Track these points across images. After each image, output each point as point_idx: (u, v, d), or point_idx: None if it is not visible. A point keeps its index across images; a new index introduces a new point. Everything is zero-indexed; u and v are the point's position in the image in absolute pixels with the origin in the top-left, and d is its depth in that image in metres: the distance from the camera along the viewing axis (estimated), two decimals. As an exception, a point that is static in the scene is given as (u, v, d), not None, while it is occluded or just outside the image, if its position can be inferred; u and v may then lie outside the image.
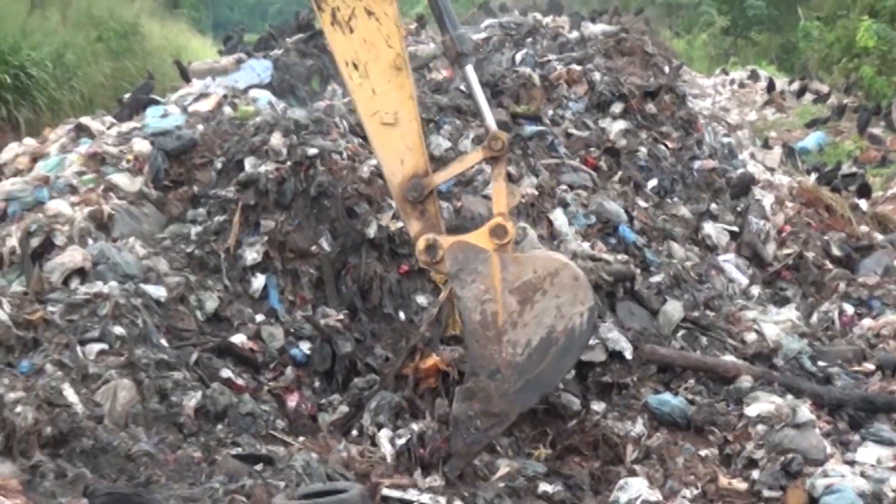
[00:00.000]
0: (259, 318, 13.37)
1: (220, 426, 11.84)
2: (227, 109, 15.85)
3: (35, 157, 16.15)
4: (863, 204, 17.97)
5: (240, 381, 12.45)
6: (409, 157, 12.10)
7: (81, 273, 12.66)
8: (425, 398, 12.68)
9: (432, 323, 13.44)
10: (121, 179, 14.56)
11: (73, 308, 12.04)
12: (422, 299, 13.74)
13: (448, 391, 12.62)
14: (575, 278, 11.95)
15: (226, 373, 12.35)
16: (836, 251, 15.89)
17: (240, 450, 11.44)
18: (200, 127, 15.26)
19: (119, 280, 12.60)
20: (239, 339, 12.95)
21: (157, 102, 17.11)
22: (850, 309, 14.63)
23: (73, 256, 12.74)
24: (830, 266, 15.57)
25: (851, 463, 11.37)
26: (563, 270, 11.99)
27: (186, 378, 11.96)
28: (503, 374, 11.75)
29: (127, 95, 19.91)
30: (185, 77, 19.66)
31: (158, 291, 12.78)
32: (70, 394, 11.05)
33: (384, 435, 12.11)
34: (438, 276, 12.87)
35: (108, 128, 16.51)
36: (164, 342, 12.27)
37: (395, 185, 12.17)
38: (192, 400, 11.71)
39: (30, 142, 17.12)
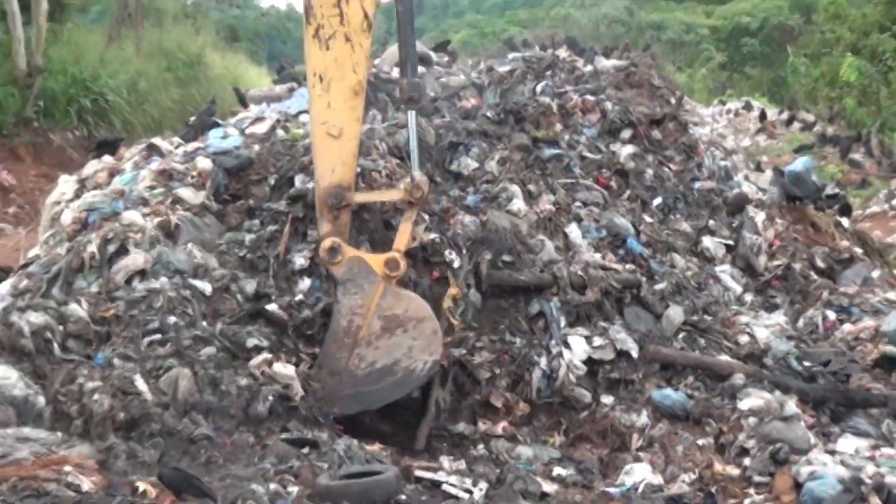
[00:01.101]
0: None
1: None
2: (280, 132, 15.87)
3: (112, 173, 16.21)
4: (844, 221, 17.91)
5: (265, 344, 12.65)
6: (340, 168, 12.58)
7: (142, 273, 12.75)
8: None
9: None
10: (186, 193, 14.61)
11: (133, 304, 12.15)
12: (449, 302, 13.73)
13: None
14: (434, 332, 12.55)
15: (252, 341, 12.49)
16: (820, 263, 15.87)
17: (288, 435, 11.48)
18: (256, 147, 15.29)
19: (169, 276, 12.75)
20: (272, 306, 13.16)
21: (218, 125, 17.13)
22: (832, 315, 14.63)
23: (135, 259, 12.82)
24: (815, 277, 15.56)
25: (832, 452, 11.40)
26: (428, 321, 12.59)
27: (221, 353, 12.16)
28: (341, 377, 12.38)
29: (192, 119, 19.93)
30: (243, 103, 19.69)
31: (204, 285, 12.94)
32: (140, 383, 11.09)
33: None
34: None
35: (176, 147, 16.57)
36: (204, 324, 12.40)
37: (320, 188, 12.60)
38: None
39: (108, 159, 17.18)
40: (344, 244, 12.70)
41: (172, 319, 12.16)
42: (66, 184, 16.43)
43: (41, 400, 10.64)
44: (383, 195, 13.33)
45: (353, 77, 12.50)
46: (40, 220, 17.05)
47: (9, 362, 10.88)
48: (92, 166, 16.95)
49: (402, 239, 12.94)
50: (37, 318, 11.77)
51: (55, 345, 11.48)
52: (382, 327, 12.58)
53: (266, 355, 12.28)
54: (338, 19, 12.34)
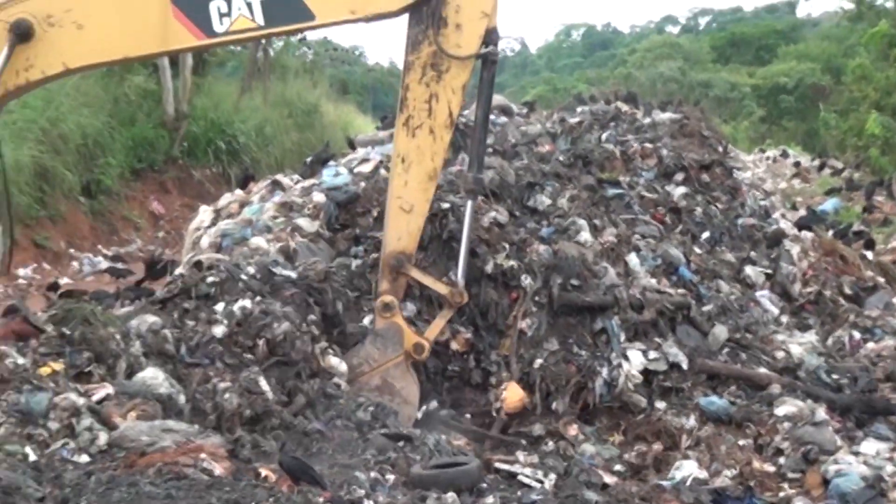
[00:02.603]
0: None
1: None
2: (383, 171, 15.91)
3: (242, 204, 16.37)
4: (869, 254, 17.71)
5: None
6: (405, 238, 12.70)
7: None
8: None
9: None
10: (303, 222, 14.70)
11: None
12: (523, 325, 13.70)
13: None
14: (409, 418, 12.59)
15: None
16: (847, 290, 15.68)
17: (386, 430, 11.48)
18: (362, 184, 15.36)
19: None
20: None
21: (331, 164, 17.21)
22: (857, 335, 14.44)
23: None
24: (843, 302, 15.36)
25: (856, 454, 11.33)
26: (410, 408, 12.72)
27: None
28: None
29: (309, 159, 20.03)
30: (352, 146, 19.74)
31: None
32: (263, 384, 11.13)
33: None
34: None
35: (295, 183, 16.69)
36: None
37: (386, 252, 12.73)
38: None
39: (239, 192, 17.33)
40: (397, 307, 12.79)
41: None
42: (204, 213, 16.60)
43: (182, 397, 10.70)
44: (434, 284, 13.21)
45: (431, 164, 12.56)
46: (183, 244, 17.23)
47: (156, 365, 10.95)
48: (226, 198, 17.14)
49: (433, 330, 13.13)
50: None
51: (191, 352, 11.57)
52: (378, 386, 12.63)
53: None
54: (426, 113, 12.40)
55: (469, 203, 13.08)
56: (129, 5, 11.93)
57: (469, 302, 13.59)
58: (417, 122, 12.43)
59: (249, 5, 11.93)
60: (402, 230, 12.75)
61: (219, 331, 11.86)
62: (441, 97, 12.37)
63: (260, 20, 12.03)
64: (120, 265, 23.76)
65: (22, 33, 11.46)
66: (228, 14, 11.91)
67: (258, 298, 12.23)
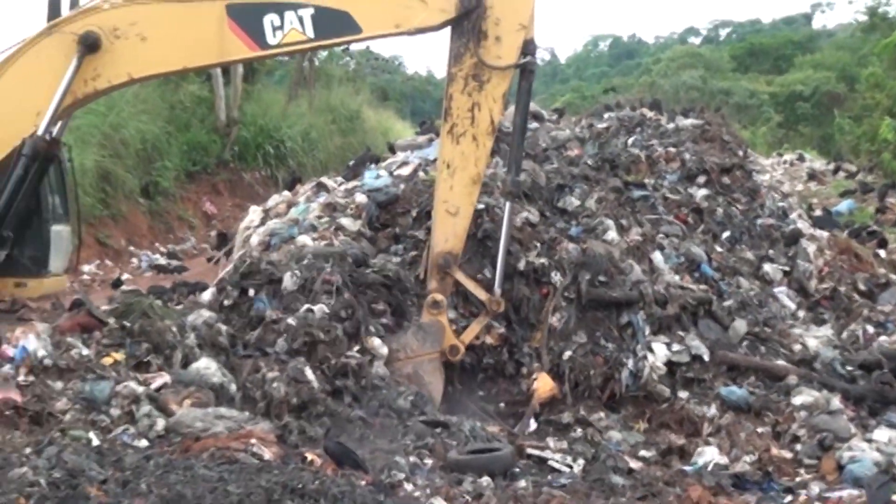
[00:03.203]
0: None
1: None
2: (421, 174, 15.95)
3: (289, 205, 16.44)
4: (882, 253, 17.53)
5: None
6: (452, 239, 12.85)
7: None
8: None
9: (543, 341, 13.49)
10: (346, 222, 14.75)
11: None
12: (554, 319, 13.68)
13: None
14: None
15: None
16: (861, 287, 15.56)
17: (424, 417, 11.50)
18: (402, 186, 15.39)
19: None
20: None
21: (372, 167, 17.23)
22: (871, 329, 14.34)
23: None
24: (857, 297, 15.26)
25: (870, 441, 11.26)
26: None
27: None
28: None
29: (351, 162, 20.06)
30: (392, 150, 19.77)
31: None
32: (309, 373, 11.16)
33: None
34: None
35: (339, 185, 16.72)
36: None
37: (434, 253, 12.91)
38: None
39: (286, 194, 17.38)
40: (444, 307, 12.97)
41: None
42: (254, 213, 16.68)
43: (233, 386, 10.77)
44: (475, 289, 13.34)
45: (475, 169, 12.79)
46: (234, 242, 17.28)
47: (209, 355, 11.00)
48: (274, 199, 17.22)
49: (469, 334, 13.29)
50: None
51: (242, 344, 11.62)
52: (408, 374, 12.71)
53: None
54: (469, 121, 12.60)
55: (507, 206, 13.23)
56: (189, 19, 12.08)
57: (502, 297, 13.62)
58: (461, 129, 12.63)
59: (301, 19, 12.11)
60: (448, 232, 12.92)
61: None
62: (483, 106, 12.56)
63: (310, 33, 12.23)
64: (174, 262, 24.05)
65: (90, 45, 11.62)
66: (281, 27, 12.11)
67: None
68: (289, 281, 12.62)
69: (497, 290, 13.21)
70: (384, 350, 12.51)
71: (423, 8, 12.35)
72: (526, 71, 12.81)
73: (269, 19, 12.10)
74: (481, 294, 13.25)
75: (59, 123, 12.34)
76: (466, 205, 12.91)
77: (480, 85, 12.57)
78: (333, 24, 12.33)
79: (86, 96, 12.27)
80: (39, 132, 11.79)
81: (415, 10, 12.32)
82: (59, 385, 9.92)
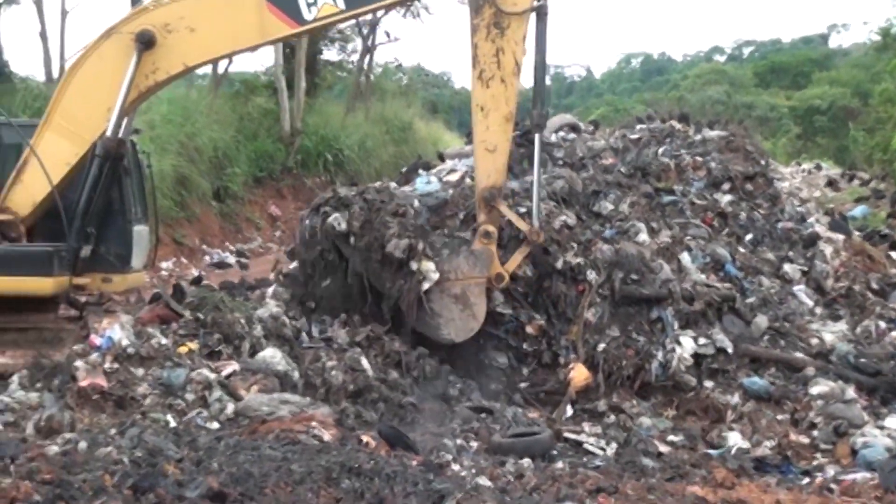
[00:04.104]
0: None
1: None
2: (468, 180, 15.90)
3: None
4: (893, 254, 17.35)
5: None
6: (494, 175, 12.96)
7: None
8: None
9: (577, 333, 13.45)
10: (400, 224, 14.67)
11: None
12: (589, 314, 13.65)
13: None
14: (471, 330, 13.07)
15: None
16: (874, 285, 15.40)
17: (470, 403, 11.52)
18: (451, 191, 15.34)
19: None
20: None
21: (423, 174, 17.22)
22: (883, 325, 14.23)
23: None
24: (871, 295, 15.11)
25: (881, 428, 11.33)
26: (474, 324, 13.06)
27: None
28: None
29: (404, 169, 20.06)
30: (441, 158, 19.72)
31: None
32: (365, 363, 11.21)
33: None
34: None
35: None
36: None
37: (479, 189, 13.05)
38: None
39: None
40: (494, 237, 13.11)
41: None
42: (315, 215, 16.65)
43: (296, 374, 10.81)
44: (517, 220, 13.38)
45: (506, 108, 12.93)
46: (297, 242, 17.34)
47: (275, 345, 11.06)
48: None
49: (512, 263, 13.30)
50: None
51: (304, 334, 11.67)
52: (456, 294, 12.97)
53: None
54: (496, 65, 12.76)
55: (537, 138, 13.42)
56: (231, 6, 12.26)
57: (542, 294, 13.69)
58: (489, 74, 12.81)
59: None
60: (489, 168, 13.06)
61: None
62: (506, 50, 12.75)
63: (342, 5, 12.40)
64: (242, 259, 24.28)
65: (146, 42, 11.78)
66: (315, 3, 12.24)
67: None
68: None
69: (535, 221, 13.25)
70: (435, 275, 12.80)
71: None
72: (541, 13, 12.93)
73: None
74: (523, 225, 13.29)
75: (125, 121, 12.40)
76: (503, 141, 13.02)
77: (501, 31, 12.73)
78: None
79: (148, 89, 12.42)
80: (109, 131, 11.89)
81: None
82: (140, 372, 10.03)
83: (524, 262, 13.47)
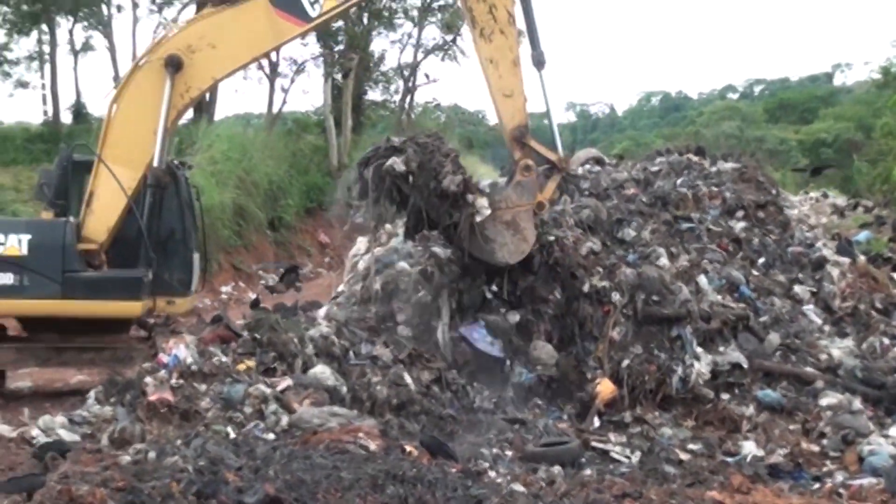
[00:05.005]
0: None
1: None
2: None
3: (390, 236, 16.41)
4: (895, 276, 17.23)
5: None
6: (516, 115, 13.27)
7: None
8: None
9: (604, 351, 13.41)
10: (437, 250, 14.62)
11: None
12: (614, 332, 13.60)
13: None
14: (521, 252, 13.39)
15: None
16: (878, 305, 15.24)
17: (504, 415, 11.51)
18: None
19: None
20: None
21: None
22: (886, 341, 14.10)
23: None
24: (875, 314, 14.98)
25: (886, 436, 11.33)
26: (524, 246, 13.37)
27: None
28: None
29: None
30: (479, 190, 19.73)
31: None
32: (408, 378, 11.21)
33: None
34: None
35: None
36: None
37: (508, 131, 13.29)
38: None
39: (388, 227, 17.31)
40: (533, 168, 13.32)
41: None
42: (361, 243, 16.72)
43: (344, 388, 10.82)
44: (546, 152, 13.62)
45: (511, 54, 13.22)
46: (344, 267, 17.40)
47: (325, 363, 11.08)
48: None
49: (547, 191, 13.52)
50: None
51: (351, 353, 11.68)
52: (506, 220, 13.25)
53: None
54: (493, 20, 13.09)
55: (540, 75, 13.72)
56: (243, 19, 12.43)
57: (569, 315, 13.71)
58: (489, 29, 13.17)
59: None
60: (511, 111, 13.32)
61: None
62: (498, 5, 13.15)
63: None
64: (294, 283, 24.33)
65: (175, 65, 11.91)
66: (316, 0, 12.64)
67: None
68: None
69: (560, 150, 13.70)
70: (487, 211, 13.01)
71: None
72: None
73: None
74: (552, 156, 13.57)
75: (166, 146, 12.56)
76: (516, 83, 13.27)
77: None
78: None
79: (184, 106, 12.74)
80: (156, 160, 12.02)
81: None
82: (203, 387, 10.08)
83: (556, 189, 13.87)
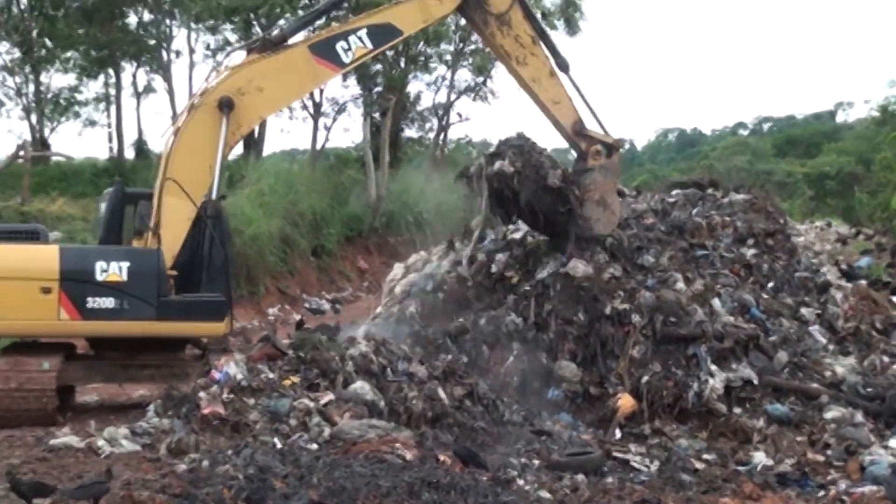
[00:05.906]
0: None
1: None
2: (529, 238, 15.88)
3: (425, 262, 16.49)
4: (895, 299, 17.05)
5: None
6: (570, 114, 14.57)
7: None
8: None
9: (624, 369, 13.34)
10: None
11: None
12: (634, 351, 13.54)
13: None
14: (612, 224, 14.82)
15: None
16: (878, 325, 15.14)
17: (531, 427, 11.47)
18: (515, 248, 15.37)
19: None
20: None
21: (490, 233, 17.11)
22: (886, 359, 14.09)
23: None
24: (875, 334, 14.87)
25: (886, 447, 11.49)
26: (613, 219, 14.80)
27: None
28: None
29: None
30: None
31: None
32: (441, 393, 11.19)
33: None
34: None
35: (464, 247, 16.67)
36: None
37: (567, 129, 14.49)
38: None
39: (422, 253, 17.37)
40: (603, 151, 14.54)
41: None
42: (398, 269, 16.79)
43: (382, 403, 10.80)
44: (604, 137, 14.65)
45: (545, 69, 14.37)
46: (382, 291, 17.42)
47: (364, 379, 11.07)
48: (413, 258, 17.27)
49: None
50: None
51: (388, 369, 11.66)
52: (597, 199, 14.49)
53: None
54: (520, 47, 14.18)
55: (569, 76, 14.57)
56: (286, 65, 12.77)
57: (592, 336, 13.76)
58: (521, 55, 14.22)
59: (361, 38, 13.12)
60: (564, 113, 14.46)
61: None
62: (519, 33, 14.18)
63: (370, 45, 13.25)
64: (337, 306, 24.37)
65: (228, 106, 12.01)
66: (350, 48, 13.03)
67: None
68: None
69: (612, 134, 14.79)
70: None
71: (438, 2, 13.81)
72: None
73: (340, 45, 12.98)
74: (608, 139, 14.62)
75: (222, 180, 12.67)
76: (559, 90, 14.43)
77: (508, 25, 14.11)
78: (383, 34, 13.45)
79: (235, 142, 12.94)
80: (214, 193, 12.09)
81: (434, 5, 13.77)
82: (251, 401, 10.10)
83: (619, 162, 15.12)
